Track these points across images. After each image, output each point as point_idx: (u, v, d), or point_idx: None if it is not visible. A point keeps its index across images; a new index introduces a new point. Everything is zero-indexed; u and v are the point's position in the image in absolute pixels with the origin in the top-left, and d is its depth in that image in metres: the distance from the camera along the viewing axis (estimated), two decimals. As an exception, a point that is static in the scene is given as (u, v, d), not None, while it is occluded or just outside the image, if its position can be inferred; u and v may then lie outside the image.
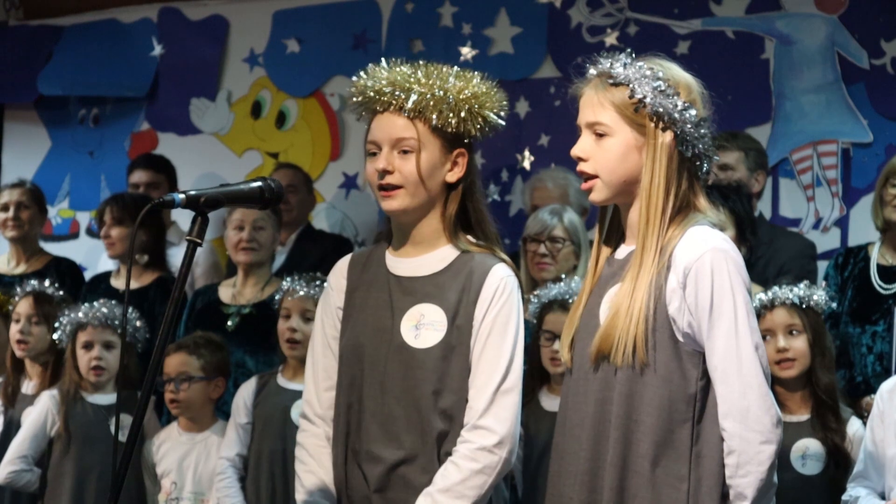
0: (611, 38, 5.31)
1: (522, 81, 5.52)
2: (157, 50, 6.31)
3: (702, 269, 2.33)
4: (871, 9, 4.94)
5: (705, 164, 2.44)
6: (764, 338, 3.56)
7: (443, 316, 2.57)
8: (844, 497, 3.31)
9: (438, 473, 2.51)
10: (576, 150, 2.46)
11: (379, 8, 5.85)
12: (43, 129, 6.61)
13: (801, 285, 3.64)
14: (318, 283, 4.03)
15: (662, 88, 2.39)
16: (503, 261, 2.63)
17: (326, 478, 2.65)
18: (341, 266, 2.75)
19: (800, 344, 3.57)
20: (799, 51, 5.04)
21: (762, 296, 3.63)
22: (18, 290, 4.52)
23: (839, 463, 3.50)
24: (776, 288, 3.64)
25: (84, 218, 6.42)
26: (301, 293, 3.99)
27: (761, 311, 3.60)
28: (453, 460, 2.51)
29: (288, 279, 4.08)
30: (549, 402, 3.82)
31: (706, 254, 2.34)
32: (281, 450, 3.92)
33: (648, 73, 2.40)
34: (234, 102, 6.18)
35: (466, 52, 5.59)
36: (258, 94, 6.14)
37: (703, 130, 2.42)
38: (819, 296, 3.61)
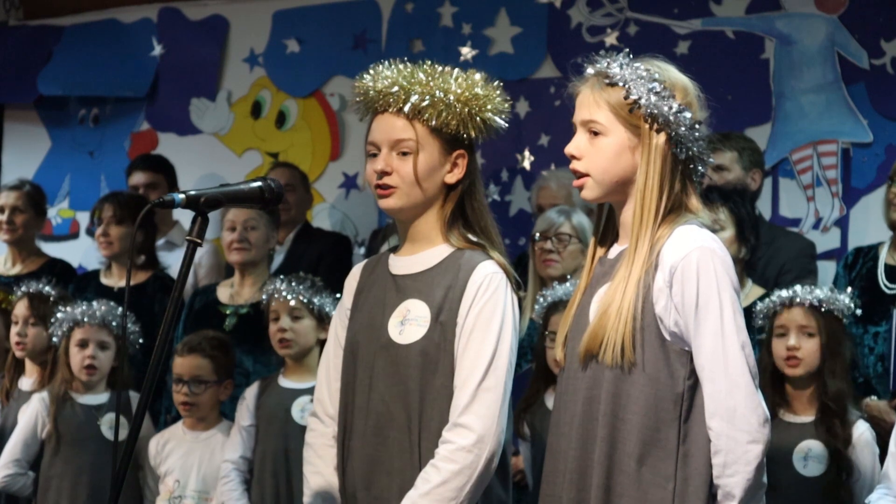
0: (611, 38, 5.31)
1: (522, 81, 5.51)
2: (157, 50, 6.31)
3: (688, 268, 2.32)
4: (871, 9, 4.93)
5: (699, 167, 2.44)
6: (781, 334, 3.57)
7: (427, 311, 2.56)
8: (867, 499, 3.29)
9: (420, 476, 2.49)
10: (569, 149, 2.46)
11: (379, 8, 5.84)
12: (43, 129, 6.62)
13: (825, 288, 3.63)
14: (304, 282, 4.03)
15: (658, 90, 2.38)
16: (493, 258, 2.59)
17: (333, 479, 2.65)
18: (355, 270, 2.77)
19: (810, 346, 3.55)
20: (799, 51, 5.03)
21: (783, 292, 3.62)
22: (23, 287, 4.50)
23: (841, 467, 3.48)
24: (798, 287, 3.62)
25: (84, 218, 6.41)
26: (286, 293, 4.00)
27: (778, 308, 3.60)
28: (433, 462, 2.48)
29: (272, 283, 4.09)
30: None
31: (692, 252, 2.33)
32: (283, 448, 3.92)
33: (644, 74, 2.39)
34: (234, 102, 6.18)
35: (466, 52, 5.59)
36: (258, 94, 6.14)
37: (697, 133, 2.41)
38: (842, 301, 3.59)
